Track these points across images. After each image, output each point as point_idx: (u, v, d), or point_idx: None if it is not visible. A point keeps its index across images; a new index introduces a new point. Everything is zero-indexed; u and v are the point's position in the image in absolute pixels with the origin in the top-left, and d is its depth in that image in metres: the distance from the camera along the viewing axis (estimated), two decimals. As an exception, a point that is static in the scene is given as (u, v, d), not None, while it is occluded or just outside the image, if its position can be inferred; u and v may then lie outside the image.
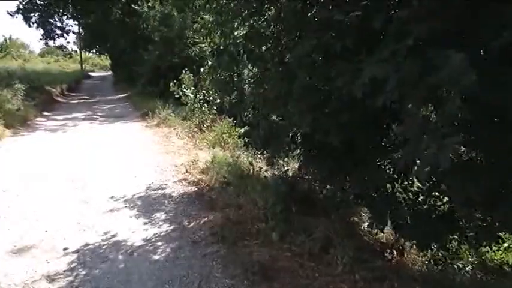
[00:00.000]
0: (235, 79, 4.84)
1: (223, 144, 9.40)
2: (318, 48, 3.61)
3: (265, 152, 7.27)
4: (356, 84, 2.92)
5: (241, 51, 4.20)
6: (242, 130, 10.18)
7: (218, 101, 12.54)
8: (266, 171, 6.93)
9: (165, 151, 8.68)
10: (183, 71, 12.18)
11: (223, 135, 9.57)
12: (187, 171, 7.11)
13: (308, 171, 5.55)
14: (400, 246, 4.71)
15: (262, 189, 5.56)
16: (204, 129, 11.37)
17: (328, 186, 5.37)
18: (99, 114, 14.56)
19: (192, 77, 12.27)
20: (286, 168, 6.29)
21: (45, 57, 54.61)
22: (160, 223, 5.03)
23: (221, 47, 4.48)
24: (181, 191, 6.20)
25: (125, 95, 20.72)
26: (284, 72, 4.06)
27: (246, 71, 4.81)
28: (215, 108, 12.28)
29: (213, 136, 9.72)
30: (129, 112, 14.80)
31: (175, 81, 12.06)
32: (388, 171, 4.35)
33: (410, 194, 4.19)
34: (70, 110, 15.38)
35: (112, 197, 5.93)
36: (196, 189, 6.26)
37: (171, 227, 4.90)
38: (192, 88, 12.26)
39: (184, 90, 12.18)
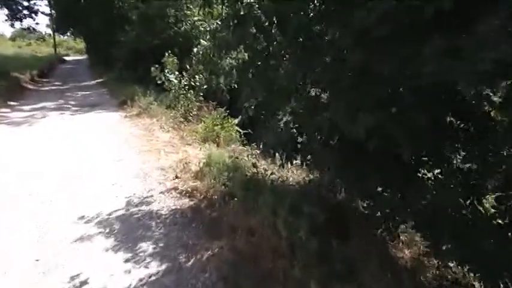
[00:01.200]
0: (259, 62, 3.42)
1: (216, 138, 8.01)
2: (392, 15, 2.27)
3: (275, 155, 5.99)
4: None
5: (272, 20, 2.79)
6: (236, 120, 8.85)
7: (205, 86, 11.15)
8: (272, 173, 5.61)
9: (149, 148, 7.23)
10: (166, 54, 10.63)
11: (215, 128, 8.16)
12: (177, 177, 5.71)
13: (337, 181, 4.25)
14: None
15: (275, 201, 4.22)
16: (190, 118, 9.96)
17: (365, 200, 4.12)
18: (72, 103, 12.89)
19: (176, 61, 10.75)
20: (311, 177, 4.98)
21: (16, 41, 51.44)
22: (148, 260, 3.65)
23: (241, 13, 3.01)
24: (172, 206, 4.81)
25: (101, 80, 18.93)
26: (332, 52, 2.69)
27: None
28: (202, 94, 10.86)
29: (203, 128, 8.30)
30: (106, 100, 13.15)
31: (156, 65, 10.52)
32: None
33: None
34: (39, 99, 13.64)
35: (82, 217, 4.53)
36: (191, 203, 4.87)
37: (163, 267, 3.54)
38: (176, 73, 10.76)
39: (168, 75, 10.67)
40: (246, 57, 3.52)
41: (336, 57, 2.68)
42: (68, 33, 39.52)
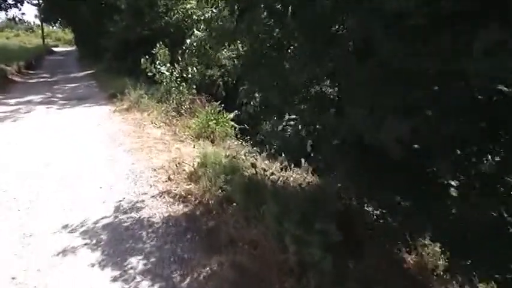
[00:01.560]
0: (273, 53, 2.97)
1: (210, 134, 7.56)
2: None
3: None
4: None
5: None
6: (231, 115, 8.40)
7: (198, 78, 10.67)
8: (273, 174, 5.20)
9: (139, 146, 6.75)
10: (157, 45, 10.10)
11: (210, 123, 7.70)
12: (170, 179, 5.26)
13: (349, 186, 3.85)
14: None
15: (280, 210, 3.81)
16: (182, 112, 9.49)
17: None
18: (60, 96, 12.31)
19: (167, 52, 10.23)
20: (315, 181, 4.57)
21: (4, 32, 50.18)
22: (138, 279, 3.23)
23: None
24: (165, 212, 4.38)
25: (90, 71, 18.28)
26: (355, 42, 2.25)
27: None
28: (194, 87, 10.39)
29: (196, 124, 7.84)
30: (95, 93, 12.58)
31: (147, 56, 9.99)
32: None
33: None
34: (26, 92, 13.02)
35: (66, 226, 4.08)
36: (185, 209, 4.44)
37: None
38: (168, 65, 10.24)
39: (159, 67, 10.15)
40: (250, 48, 3.07)
41: (359, 50, 2.24)
42: (57, 24, 38.54)
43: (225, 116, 7.93)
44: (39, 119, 8.98)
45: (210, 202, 4.48)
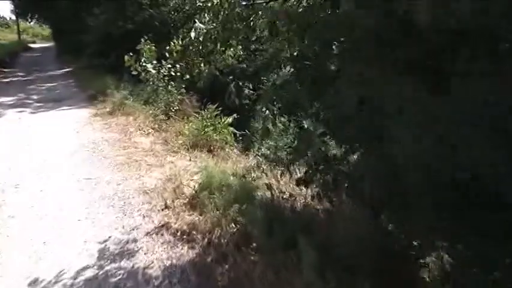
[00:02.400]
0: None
1: (207, 143, 6.50)
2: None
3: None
4: None
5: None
6: (229, 119, 7.33)
7: (187, 76, 9.57)
8: (292, 196, 4.24)
9: (126, 159, 5.65)
10: (142, 40, 8.95)
11: (206, 130, 6.63)
12: (167, 206, 4.20)
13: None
14: None
15: (322, 259, 2.82)
16: (172, 114, 8.40)
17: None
18: (34, 97, 10.98)
19: (153, 48, 9.08)
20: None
21: (-22, 28, 47.67)
22: None
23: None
24: (166, 259, 3.32)
25: (69, 69, 16.87)
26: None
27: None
28: (183, 86, 9.28)
29: (190, 131, 6.76)
30: (73, 93, 11.29)
31: (130, 53, 8.82)
32: None
33: None
34: (-3, 93, 11.67)
35: (35, 283, 3.00)
36: (191, 253, 3.39)
37: None
38: (154, 62, 9.11)
39: (144, 64, 9.01)
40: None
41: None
42: (34, 19, 36.54)
43: (223, 120, 6.87)
44: (8, 127, 7.73)
45: (223, 241, 3.44)
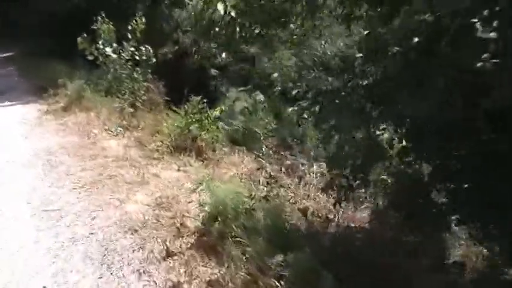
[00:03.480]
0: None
1: (194, 144, 5.19)
2: None
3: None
4: None
5: None
6: (217, 112, 6.01)
7: (154, 60, 8.13)
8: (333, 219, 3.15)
9: (96, 176, 4.24)
10: (98, 19, 7.31)
11: (191, 127, 5.30)
12: (169, 253, 2.92)
13: None
14: None
15: None
16: (139, 105, 6.96)
17: None
18: (-35, 90, 8.99)
19: (112, 28, 7.47)
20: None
21: None
22: None
23: None
24: None
25: (8, 54, 14.50)
26: None
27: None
28: (149, 71, 7.81)
29: (171, 129, 5.40)
30: (16, 84, 9.29)
31: (85, 34, 7.17)
32: None
33: None
34: None
35: None
36: None
37: None
38: (114, 45, 7.52)
39: (102, 47, 7.40)
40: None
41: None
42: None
43: (211, 115, 5.54)
44: None
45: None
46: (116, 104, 6.75)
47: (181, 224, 3.22)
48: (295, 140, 12.30)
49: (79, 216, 3.43)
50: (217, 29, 3.42)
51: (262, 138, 10.02)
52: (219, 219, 3.16)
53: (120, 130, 5.82)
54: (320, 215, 3.70)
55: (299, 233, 3.15)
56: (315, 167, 5.23)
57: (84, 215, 3.45)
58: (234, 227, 2.98)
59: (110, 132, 5.68)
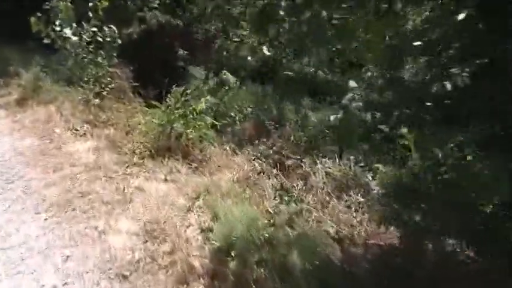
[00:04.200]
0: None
1: (178, 144, 4.40)
2: None
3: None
4: None
5: None
6: (203, 104, 5.18)
7: (119, 41, 7.19)
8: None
9: (64, 195, 3.39)
10: (54, -4, 6.22)
11: (174, 124, 4.49)
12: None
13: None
14: None
15: None
16: (105, 94, 6.04)
17: None
18: None
19: (70, 5, 6.39)
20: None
21: None
22: None
23: None
24: None
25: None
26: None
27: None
28: (114, 54, 6.86)
29: (149, 127, 4.56)
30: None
31: (39, 14, 6.07)
32: None
33: None
34: None
35: None
36: None
37: None
38: (74, 25, 6.45)
39: (60, 28, 6.33)
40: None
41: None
42: None
43: (197, 109, 4.72)
44: None
45: None
46: (79, 95, 5.78)
47: (185, 264, 2.47)
48: (273, 124, 11.63)
49: (46, 257, 2.62)
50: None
51: (238, 122, 9.27)
52: (233, 253, 2.45)
53: (88, 128, 4.91)
54: (348, 234, 3.08)
55: (344, 272, 2.50)
56: (319, 165, 4.57)
57: (54, 255, 2.64)
58: (255, 266, 2.28)
59: (76, 132, 4.76)
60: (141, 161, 4.09)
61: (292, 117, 11.65)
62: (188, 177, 3.82)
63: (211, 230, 2.85)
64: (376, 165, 4.82)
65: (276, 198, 3.45)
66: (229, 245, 2.50)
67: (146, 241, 2.76)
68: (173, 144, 4.37)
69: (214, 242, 2.56)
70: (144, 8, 10.01)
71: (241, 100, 11.57)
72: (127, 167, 3.94)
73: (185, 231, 2.90)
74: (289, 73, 13.41)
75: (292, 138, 11.36)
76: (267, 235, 2.57)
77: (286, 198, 3.40)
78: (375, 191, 4.28)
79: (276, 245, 2.50)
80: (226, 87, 12.60)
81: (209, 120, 4.72)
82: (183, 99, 4.71)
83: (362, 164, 4.70)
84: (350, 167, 4.61)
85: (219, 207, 3.04)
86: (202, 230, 2.86)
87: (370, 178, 4.47)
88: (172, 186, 3.59)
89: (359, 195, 4.19)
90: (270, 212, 3.25)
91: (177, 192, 3.46)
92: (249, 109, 10.87)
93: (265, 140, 10.56)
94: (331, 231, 3.05)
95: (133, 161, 4.06)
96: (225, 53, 15.28)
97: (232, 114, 9.94)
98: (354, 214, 3.82)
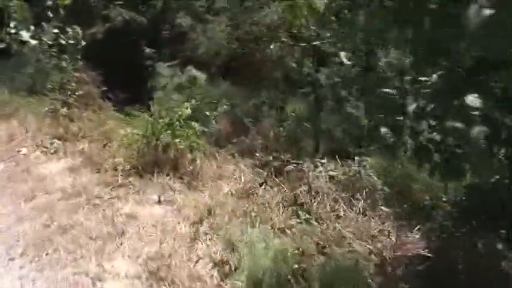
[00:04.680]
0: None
1: (170, 157, 3.90)
2: None
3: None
4: None
5: None
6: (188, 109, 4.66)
7: (83, 43, 6.63)
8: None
9: (40, 232, 2.82)
10: (5, -5, 5.52)
11: (161, 136, 3.97)
12: None
13: None
14: None
15: None
16: (72, 102, 5.45)
17: None
18: None
19: (25, 6, 5.68)
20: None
21: None
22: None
23: None
24: None
25: None
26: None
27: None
28: (79, 57, 6.28)
29: (131, 139, 4.01)
30: None
31: (-11, 16, 5.37)
32: None
33: None
34: None
35: None
36: None
37: None
38: (32, 27, 5.75)
39: (15, 31, 5.62)
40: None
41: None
42: None
43: (183, 115, 4.20)
44: None
45: None
46: (44, 105, 5.15)
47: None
48: (250, 120, 11.21)
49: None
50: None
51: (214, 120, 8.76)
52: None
53: (58, 144, 4.32)
54: (373, 249, 2.72)
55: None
56: (321, 168, 4.18)
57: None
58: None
59: (45, 149, 4.16)
60: (127, 180, 3.56)
61: (268, 111, 11.27)
62: (184, 195, 3.34)
63: (225, 263, 2.41)
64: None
65: (286, 213, 3.05)
66: (256, 284, 2.07)
67: (151, 285, 2.28)
68: (161, 157, 3.85)
69: (236, 281, 2.12)
70: (110, 5, 9.31)
71: (213, 97, 11.06)
72: (112, 188, 3.41)
73: (194, 266, 2.44)
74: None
75: (271, 134, 10.99)
76: (296, 266, 2.16)
77: (301, 213, 3.01)
78: (381, 192, 3.98)
79: (311, 279, 2.09)
80: (195, 84, 12.06)
81: (197, 126, 4.20)
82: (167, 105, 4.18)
83: (364, 164, 4.33)
84: (351, 167, 4.23)
85: (229, 233, 2.60)
86: (215, 264, 2.41)
87: (376, 178, 4.12)
88: (169, 209, 3.11)
89: (369, 200, 3.84)
90: (285, 231, 2.85)
91: (176, 217, 2.99)
92: (225, 106, 10.39)
93: (243, 137, 10.15)
94: (361, 250, 2.67)
95: (118, 181, 3.52)
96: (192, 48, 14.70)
97: (207, 113, 9.41)
98: (372, 223, 3.47)
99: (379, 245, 2.89)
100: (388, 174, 4.44)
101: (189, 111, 4.36)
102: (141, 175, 3.64)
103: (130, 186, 3.45)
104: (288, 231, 2.78)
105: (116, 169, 3.76)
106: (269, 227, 2.82)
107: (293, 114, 11.44)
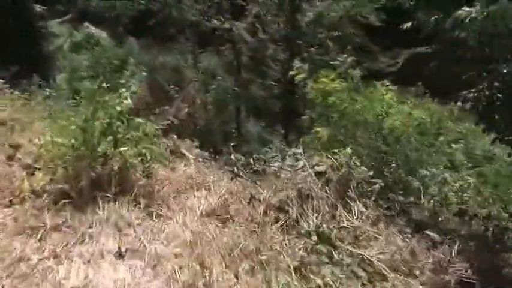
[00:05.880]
0: None
1: (109, 173, 2.81)
2: None
3: None
4: None
5: None
6: (129, 100, 3.47)
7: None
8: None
9: None
10: None
11: (102, 145, 2.82)
12: None
13: None
14: None
15: None
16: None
17: None
18: None
19: None
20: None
21: None
22: None
23: None
24: None
25: None
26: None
27: None
28: None
29: (51, 151, 2.79)
30: None
31: None
32: None
33: None
34: None
35: None
36: None
37: None
38: None
39: None
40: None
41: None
42: None
43: (124, 110, 3.03)
44: None
45: None
46: None
47: None
48: (172, 86, 10.05)
49: None
50: None
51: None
52: None
53: None
54: (394, 264, 2.13)
55: None
56: (305, 162, 3.42)
57: None
58: None
59: None
60: (60, 218, 2.43)
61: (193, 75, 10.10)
62: (151, 234, 2.35)
63: None
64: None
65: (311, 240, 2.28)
66: None
67: None
68: (103, 175, 2.74)
69: None
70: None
71: (116, 57, 9.55)
72: (40, 238, 2.26)
73: None
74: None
75: (198, 101, 9.88)
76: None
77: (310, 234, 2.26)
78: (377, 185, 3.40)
79: None
80: (96, 45, 10.31)
81: (149, 126, 3.08)
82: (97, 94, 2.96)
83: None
84: (337, 159, 3.52)
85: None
86: None
87: (366, 169, 3.48)
88: (139, 266, 2.11)
89: (363, 199, 3.23)
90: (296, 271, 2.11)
91: (155, 280, 2.01)
92: (143, 73, 9.02)
93: (167, 107, 8.94)
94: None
95: (46, 223, 2.37)
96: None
97: (121, 81, 7.97)
98: (377, 228, 2.88)
99: (398, 257, 2.32)
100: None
101: (129, 102, 3.21)
102: (81, 207, 2.52)
103: (70, 231, 2.34)
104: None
105: (39, 197, 2.58)
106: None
107: (219, 77, 10.40)
